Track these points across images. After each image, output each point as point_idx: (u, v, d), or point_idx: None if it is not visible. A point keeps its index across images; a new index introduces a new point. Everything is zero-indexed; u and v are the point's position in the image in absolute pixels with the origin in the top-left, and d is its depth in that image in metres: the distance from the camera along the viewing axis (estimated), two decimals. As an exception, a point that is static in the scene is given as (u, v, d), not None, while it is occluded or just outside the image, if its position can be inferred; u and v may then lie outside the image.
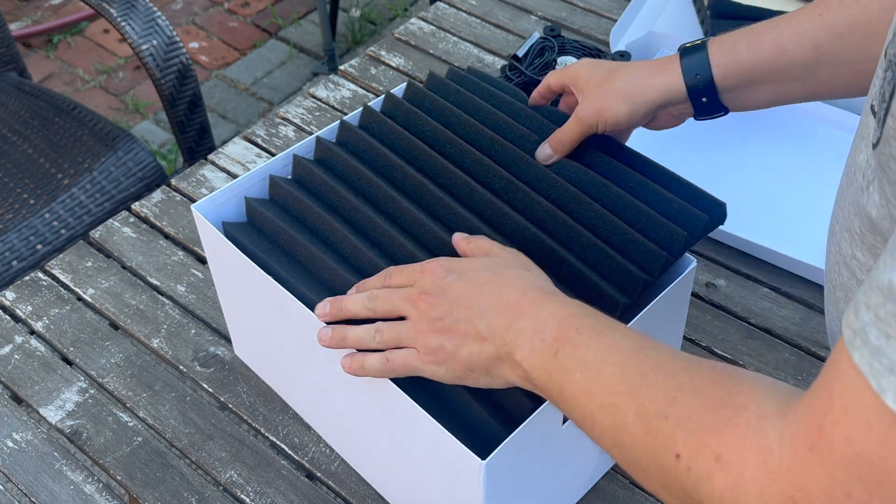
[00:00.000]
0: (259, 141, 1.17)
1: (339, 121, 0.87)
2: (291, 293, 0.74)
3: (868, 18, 0.70)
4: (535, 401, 0.66)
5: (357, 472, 0.85)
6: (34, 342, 0.97)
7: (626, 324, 0.70)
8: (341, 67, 1.27)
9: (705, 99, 0.78)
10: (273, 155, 1.14)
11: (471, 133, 0.83)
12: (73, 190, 1.42)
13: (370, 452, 0.81)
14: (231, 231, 0.80)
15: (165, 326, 0.97)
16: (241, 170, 1.13)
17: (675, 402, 0.51)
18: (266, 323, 0.83)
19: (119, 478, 0.86)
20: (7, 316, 0.99)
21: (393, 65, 1.27)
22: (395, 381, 0.69)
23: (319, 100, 1.22)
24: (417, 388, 0.68)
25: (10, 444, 0.88)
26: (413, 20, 1.34)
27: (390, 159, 0.82)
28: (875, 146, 0.52)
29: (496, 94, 0.87)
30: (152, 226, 1.07)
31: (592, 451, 0.80)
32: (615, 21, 1.29)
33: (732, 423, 0.47)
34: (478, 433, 0.67)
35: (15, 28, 2.66)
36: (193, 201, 1.04)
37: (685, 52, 0.78)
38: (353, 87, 1.24)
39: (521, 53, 1.20)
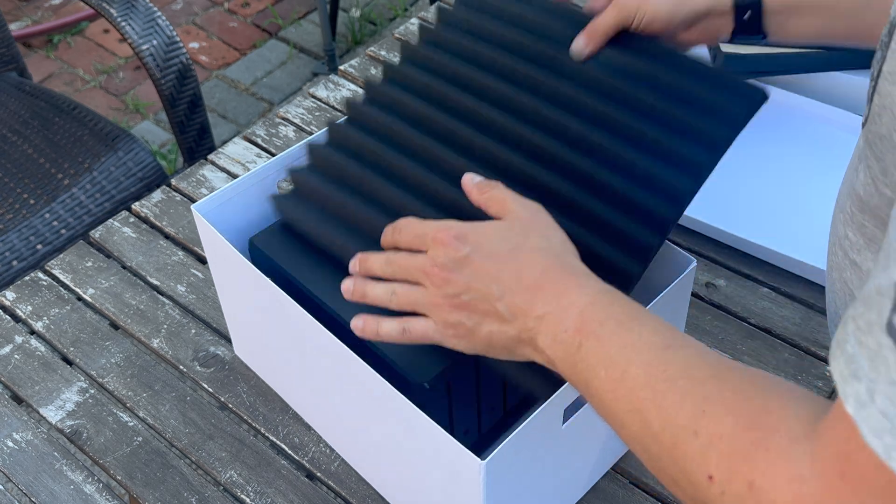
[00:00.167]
0: (259, 141, 1.17)
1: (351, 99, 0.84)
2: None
3: None
4: None
5: (357, 472, 0.85)
6: (34, 342, 0.97)
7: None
8: (341, 67, 1.27)
9: (749, 15, 0.75)
10: (273, 155, 1.14)
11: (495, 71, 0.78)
12: (73, 190, 1.42)
13: (370, 452, 0.81)
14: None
15: (165, 326, 0.97)
16: (241, 170, 1.13)
17: (705, 417, 0.49)
18: (266, 323, 0.83)
19: (119, 478, 0.86)
20: (7, 316, 0.99)
21: (393, 65, 1.27)
22: (395, 384, 0.69)
23: (319, 100, 1.22)
24: None
25: (10, 444, 0.88)
26: (413, 20, 1.34)
27: (413, 110, 0.79)
28: (864, 124, 0.52)
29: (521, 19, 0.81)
30: (152, 226, 1.08)
31: (592, 451, 0.80)
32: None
33: (764, 447, 0.46)
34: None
35: (15, 28, 2.66)
36: (193, 201, 1.04)
37: None
38: (353, 87, 1.24)
39: (521, 53, 1.20)
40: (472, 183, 0.69)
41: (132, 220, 1.08)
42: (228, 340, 0.96)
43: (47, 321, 0.98)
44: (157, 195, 1.11)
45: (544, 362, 0.61)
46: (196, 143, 1.50)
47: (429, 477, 0.72)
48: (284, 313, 0.76)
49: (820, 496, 0.43)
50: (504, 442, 0.65)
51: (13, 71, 1.68)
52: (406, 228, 0.67)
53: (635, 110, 0.74)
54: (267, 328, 0.83)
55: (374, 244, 0.72)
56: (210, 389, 0.92)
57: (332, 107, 1.21)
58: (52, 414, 0.91)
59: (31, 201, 1.42)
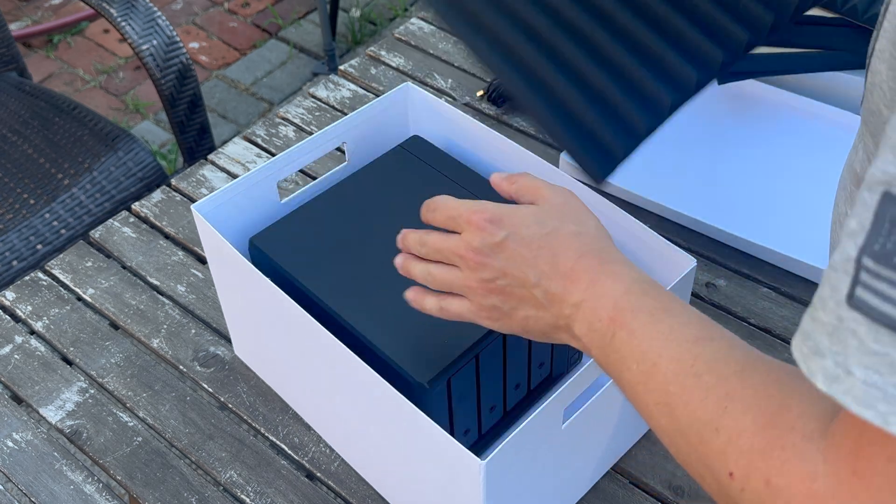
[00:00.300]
0: (259, 141, 1.17)
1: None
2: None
3: None
4: None
5: (357, 472, 0.85)
6: (34, 342, 0.97)
7: None
8: (341, 67, 1.27)
9: None
10: (273, 155, 1.14)
11: None
12: (73, 190, 1.42)
13: (370, 452, 0.81)
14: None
15: (165, 326, 0.97)
16: (241, 170, 1.13)
17: (726, 414, 0.50)
18: (266, 323, 0.83)
19: (119, 478, 0.86)
20: (7, 316, 0.99)
21: (393, 65, 1.27)
22: (395, 384, 0.69)
23: (319, 100, 1.22)
24: None
25: (10, 444, 0.88)
26: (413, 20, 1.34)
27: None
28: (862, 103, 0.52)
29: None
30: (152, 226, 1.08)
31: (592, 451, 0.80)
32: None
33: (780, 445, 0.47)
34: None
35: (15, 28, 2.66)
36: (193, 201, 1.04)
37: None
38: (353, 87, 1.24)
39: (521, 53, 1.20)
40: (500, 177, 0.69)
41: (132, 220, 1.08)
42: (228, 340, 0.96)
43: (47, 321, 0.98)
44: (157, 195, 1.11)
45: (581, 348, 0.62)
46: (196, 143, 1.50)
47: (429, 477, 0.72)
48: (284, 313, 0.76)
49: (833, 493, 0.43)
50: (504, 442, 0.65)
51: (13, 71, 1.68)
52: (440, 208, 0.67)
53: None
54: (267, 328, 0.83)
55: None
56: (210, 389, 0.92)
57: (332, 107, 1.21)
58: (51, 414, 0.91)
59: (31, 201, 1.42)
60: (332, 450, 0.87)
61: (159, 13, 1.44)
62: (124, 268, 1.04)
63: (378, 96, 1.20)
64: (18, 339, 0.97)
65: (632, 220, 0.79)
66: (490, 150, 0.89)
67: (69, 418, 0.90)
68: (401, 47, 1.29)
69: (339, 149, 1.11)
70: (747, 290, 0.98)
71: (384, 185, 0.87)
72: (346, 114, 1.15)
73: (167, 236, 1.07)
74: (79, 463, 0.87)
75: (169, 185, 1.12)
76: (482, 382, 0.76)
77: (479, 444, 0.82)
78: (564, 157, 1.07)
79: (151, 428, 0.89)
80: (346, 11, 2.74)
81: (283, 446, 0.87)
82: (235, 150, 1.16)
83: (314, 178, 1.06)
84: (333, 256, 0.81)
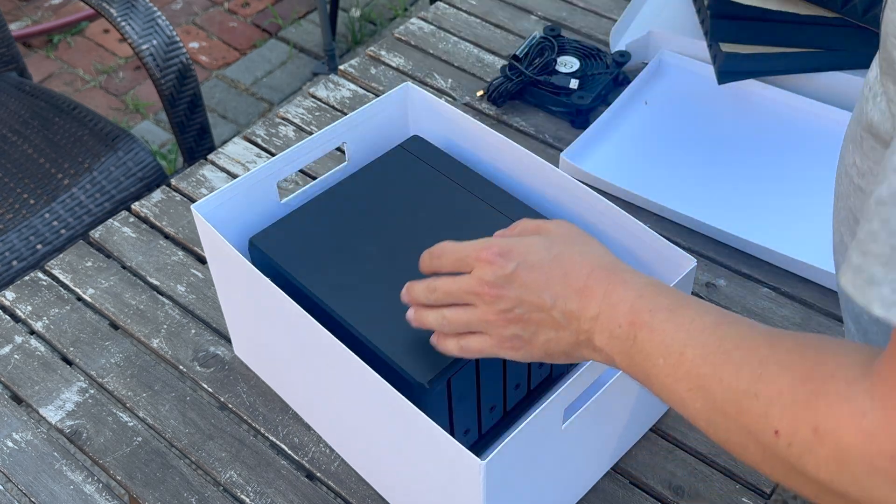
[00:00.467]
0: (259, 141, 1.17)
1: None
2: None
3: None
4: None
5: (357, 472, 0.85)
6: (34, 342, 0.97)
7: None
8: (341, 67, 1.27)
9: None
10: (273, 155, 1.14)
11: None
12: (73, 190, 1.42)
13: (370, 452, 0.81)
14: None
15: (165, 326, 0.97)
16: (241, 170, 1.13)
17: (762, 379, 0.51)
18: (266, 323, 0.83)
19: (119, 478, 0.86)
20: (7, 316, 0.99)
21: (393, 65, 1.27)
22: (395, 384, 0.69)
23: (319, 100, 1.22)
24: None
25: (10, 444, 0.88)
26: (413, 20, 1.34)
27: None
28: (877, 53, 0.54)
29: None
30: (152, 226, 1.07)
31: (592, 451, 0.80)
32: (615, 21, 1.29)
33: (823, 393, 0.48)
34: None
35: (15, 28, 2.66)
36: (193, 201, 1.04)
37: None
38: (353, 87, 1.24)
39: (520, 53, 1.20)
40: (500, 232, 0.71)
41: (132, 220, 1.08)
42: (228, 340, 0.96)
43: (47, 321, 0.98)
44: (157, 195, 1.11)
45: (603, 360, 0.63)
46: (196, 143, 1.50)
47: (429, 477, 0.72)
48: (284, 313, 0.76)
49: (884, 425, 0.45)
50: (504, 442, 0.65)
51: (13, 71, 1.68)
52: (446, 253, 0.69)
53: None
54: (267, 328, 0.83)
55: None
56: (210, 389, 0.92)
57: (332, 107, 1.21)
58: (51, 414, 0.91)
59: (31, 201, 1.42)
60: (332, 450, 0.87)
61: (159, 13, 1.44)
62: (124, 268, 1.04)
63: (378, 96, 1.20)
64: (18, 339, 0.97)
65: (632, 220, 0.79)
66: (490, 150, 0.89)
67: (69, 418, 0.90)
68: (401, 47, 1.29)
69: (339, 149, 1.11)
70: (747, 290, 0.98)
71: (384, 185, 0.87)
72: (346, 114, 1.15)
73: (167, 236, 1.06)
74: (79, 463, 0.87)
75: (169, 185, 1.12)
76: (482, 382, 0.76)
77: (479, 444, 0.82)
78: (564, 157, 1.07)
79: (151, 428, 0.89)
80: (346, 11, 2.74)
81: (283, 446, 0.87)
82: (235, 150, 1.16)
83: (314, 178, 1.06)
84: (333, 256, 0.81)
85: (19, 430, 0.90)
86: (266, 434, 0.88)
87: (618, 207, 0.80)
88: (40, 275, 1.03)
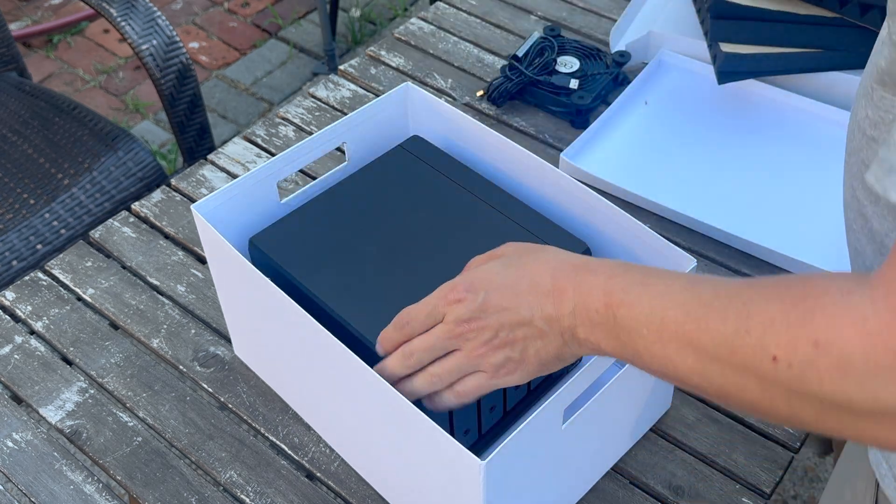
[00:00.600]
0: (259, 141, 1.17)
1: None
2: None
3: None
4: None
5: (357, 472, 0.85)
6: (34, 342, 0.97)
7: None
8: (341, 67, 1.27)
9: None
10: (273, 155, 1.14)
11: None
12: (73, 190, 1.42)
13: (370, 452, 0.81)
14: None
15: (165, 326, 0.97)
16: (241, 170, 1.13)
17: (752, 315, 0.52)
18: (266, 323, 0.83)
19: (119, 478, 0.86)
20: (7, 316, 0.99)
21: (393, 65, 1.27)
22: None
23: (319, 100, 1.22)
24: None
25: (10, 444, 0.88)
26: (413, 20, 1.34)
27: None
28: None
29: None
30: (152, 226, 1.08)
31: (592, 451, 0.80)
32: (615, 21, 1.29)
33: (819, 308, 0.49)
34: None
35: (15, 28, 2.66)
36: (193, 201, 1.04)
37: None
38: (353, 87, 1.24)
39: (520, 53, 1.20)
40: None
41: (132, 220, 1.08)
42: (228, 340, 0.96)
43: (47, 321, 0.98)
44: (157, 195, 1.11)
45: (593, 352, 0.64)
46: (196, 143, 1.50)
47: (429, 477, 0.72)
48: (284, 313, 0.76)
49: (887, 325, 0.45)
50: (504, 442, 0.65)
51: (13, 71, 1.68)
52: (412, 316, 0.69)
53: None
54: (267, 328, 0.83)
55: None
56: (210, 389, 0.92)
57: (332, 107, 1.21)
58: (51, 414, 0.91)
59: (31, 201, 1.42)
60: (332, 450, 0.87)
61: (159, 13, 1.44)
62: (124, 268, 1.04)
63: (378, 96, 1.20)
64: (18, 339, 0.97)
65: (632, 220, 0.79)
66: (490, 150, 0.89)
67: (69, 418, 0.90)
68: (401, 47, 1.29)
69: (339, 149, 1.11)
70: (747, 290, 0.98)
71: (384, 185, 0.87)
72: (346, 114, 1.15)
73: (167, 236, 1.07)
74: (79, 463, 0.87)
75: (169, 185, 1.12)
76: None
77: (479, 444, 0.82)
78: (564, 157, 1.07)
79: (151, 428, 0.89)
80: (346, 11, 2.74)
81: (283, 446, 0.87)
82: (235, 150, 1.16)
83: (314, 178, 1.06)
84: (333, 256, 0.81)
85: (19, 430, 0.90)
86: (266, 434, 0.88)
87: (618, 207, 0.80)
88: (40, 275, 1.03)
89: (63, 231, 1.39)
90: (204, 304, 0.99)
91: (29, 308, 1.00)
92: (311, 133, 1.17)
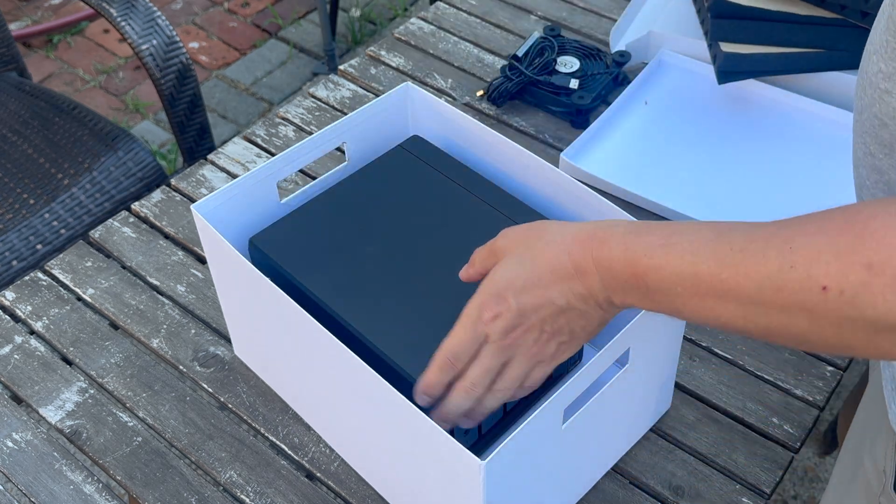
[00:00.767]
0: (259, 141, 1.17)
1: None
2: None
3: None
4: None
5: (357, 472, 0.85)
6: (34, 342, 0.97)
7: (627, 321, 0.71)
8: (341, 67, 1.27)
9: None
10: (273, 155, 1.14)
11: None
12: (73, 190, 1.42)
13: (370, 452, 0.81)
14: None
15: (165, 326, 0.97)
16: (241, 170, 1.13)
17: (795, 251, 0.52)
18: (266, 323, 0.83)
19: (119, 478, 0.86)
20: (7, 316, 0.99)
21: (393, 65, 1.27)
22: (395, 384, 0.69)
23: (319, 100, 1.22)
24: None
25: (10, 444, 0.88)
26: (413, 20, 1.34)
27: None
28: None
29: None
30: (152, 226, 1.07)
31: (592, 451, 0.80)
32: (615, 21, 1.29)
33: (868, 233, 0.49)
34: None
35: (15, 28, 2.66)
36: (193, 201, 1.04)
37: None
38: (353, 87, 1.24)
39: (520, 53, 1.20)
40: (465, 275, 0.72)
41: (132, 220, 1.08)
42: (228, 340, 0.96)
43: (47, 321, 0.98)
44: (157, 195, 1.11)
45: (632, 306, 0.64)
46: (196, 143, 1.50)
47: (429, 477, 0.72)
48: (284, 313, 0.76)
49: None
50: (504, 442, 0.65)
51: (13, 71, 1.68)
52: (456, 352, 0.68)
53: None
54: (267, 328, 0.83)
55: None
56: (210, 389, 0.92)
57: (332, 107, 1.21)
58: (51, 414, 0.91)
59: (31, 201, 1.42)
60: (332, 450, 0.87)
61: (159, 13, 1.44)
62: (124, 268, 1.04)
63: (378, 96, 1.20)
64: (18, 339, 0.97)
65: (632, 219, 0.79)
66: (490, 150, 0.89)
67: (69, 418, 0.90)
68: (401, 47, 1.29)
69: (339, 149, 1.11)
70: (747, 290, 0.98)
71: (384, 185, 0.87)
72: (345, 114, 1.15)
73: (167, 236, 1.06)
74: (79, 463, 0.87)
75: (169, 185, 1.12)
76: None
77: (479, 444, 0.82)
78: (564, 157, 1.07)
79: (151, 428, 0.89)
80: (346, 11, 2.74)
81: (283, 446, 0.87)
82: (235, 150, 1.16)
83: (314, 178, 1.06)
84: (333, 256, 0.81)
85: (19, 430, 0.90)
86: (266, 434, 0.88)
87: (618, 207, 0.80)
88: (40, 275, 1.03)
89: (63, 231, 1.39)
90: (204, 304, 0.99)
91: (29, 308, 1.00)
92: (311, 133, 1.17)
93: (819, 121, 1.12)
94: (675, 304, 0.59)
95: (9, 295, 1.01)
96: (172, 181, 1.12)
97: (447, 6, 1.36)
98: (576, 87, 1.16)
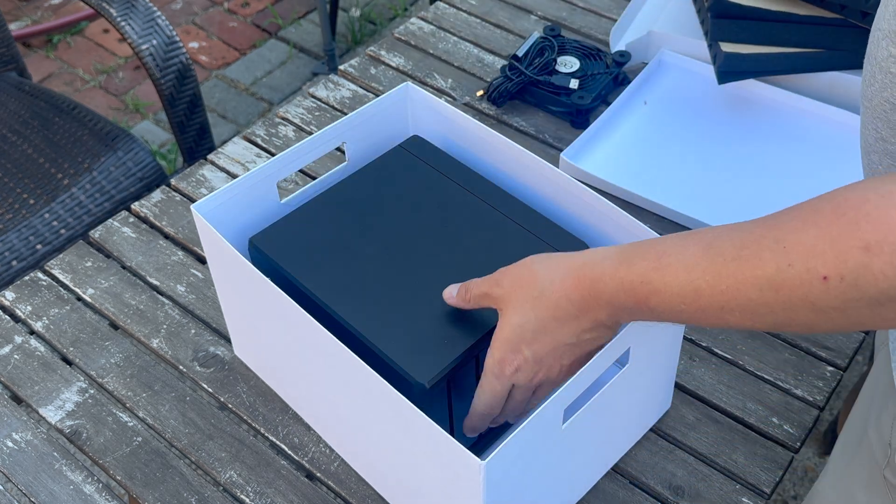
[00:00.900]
0: (259, 141, 1.17)
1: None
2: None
3: None
4: None
5: (357, 472, 0.85)
6: (34, 342, 0.97)
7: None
8: (341, 67, 1.27)
9: None
10: (273, 155, 1.14)
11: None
12: (73, 190, 1.42)
13: (370, 452, 0.81)
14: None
15: (165, 326, 0.97)
16: (240, 170, 1.13)
17: (788, 249, 0.53)
18: (266, 323, 0.82)
19: (119, 478, 0.86)
20: (7, 316, 0.99)
21: (393, 65, 1.27)
22: (395, 384, 0.69)
23: (319, 100, 1.22)
24: None
25: (10, 444, 0.88)
26: (413, 20, 1.34)
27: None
28: None
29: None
30: (152, 226, 1.07)
31: (592, 451, 0.80)
32: (615, 21, 1.29)
33: (861, 216, 0.50)
34: None
35: (15, 28, 2.66)
36: (193, 201, 1.04)
37: None
38: (353, 86, 1.24)
39: (520, 53, 1.20)
40: (453, 296, 0.74)
41: (132, 220, 1.08)
42: (228, 340, 0.96)
43: (47, 321, 0.98)
44: (157, 195, 1.11)
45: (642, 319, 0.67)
46: (196, 143, 1.50)
47: (429, 477, 0.72)
48: (284, 313, 0.76)
49: None
50: (504, 442, 0.65)
51: (13, 71, 1.68)
52: (490, 406, 0.73)
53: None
54: (267, 328, 0.83)
55: None
56: (210, 389, 0.92)
57: (332, 107, 1.21)
58: (51, 414, 0.90)
59: (31, 201, 1.42)
60: (332, 450, 0.87)
61: (159, 13, 1.44)
62: (124, 268, 1.04)
63: (378, 96, 1.20)
64: (18, 339, 0.97)
65: (632, 219, 0.79)
66: (490, 150, 0.89)
67: (69, 418, 0.90)
68: (401, 47, 1.29)
69: (339, 149, 1.11)
70: (747, 290, 0.98)
71: (384, 185, 0.87)
72: (345, 114, 1.15)
73: (167, 236, 1.06)
74: (78, 463, 0.87)
75: (169, 185, 1.12)
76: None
77: (479, 444, 0.82)
78: (564, 157, 1.07)
79: (151, 428, 0.89)
80: (346, 11, 2.74)
81: (283, 446, 0.87)
82: (235, 150, 1.16)
83: (314, 178, 1.06)
84: (333, 256, 0.81)
85: (19, 430, 0.90)
86: (266, 434, 0.88)
87: (618, 207, 0.80)
88: (40, 275, 1.03)
89: (63, 231, 1.39)
90: (204, 304, 0.99)
91: (29, 308, 1.00)
92: (311, 133, 1.17)
93: (819, 121, 1.12)
94: (682, 318, 0.61)
95: (9, 295, 1.01)
96: (172, 181, 1.12)
97: (447, 6, 1.36)
98: (576, 87, 1.16)
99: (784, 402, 0.89)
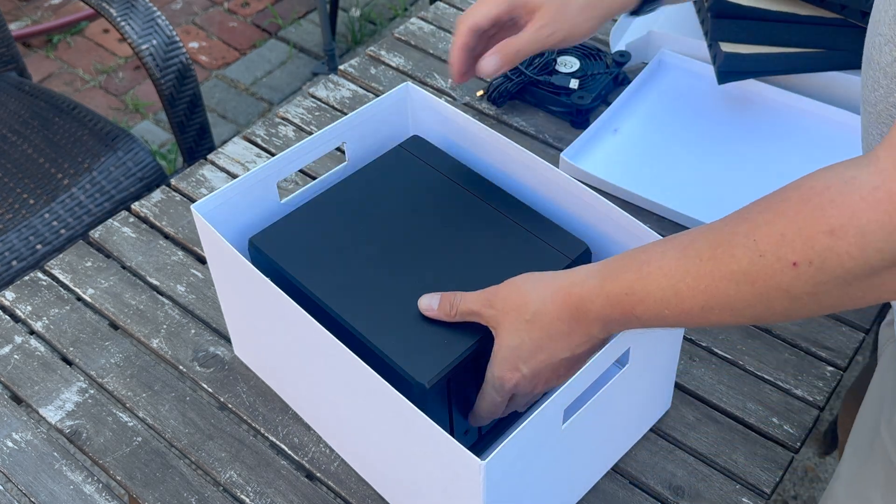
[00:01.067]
0: (259, 141, 1.17)
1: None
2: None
3: None
4: None
5: (357, 473, 0.85)
6: (34, 342, 0.97)
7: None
8: (341, 67, 1.27)
9: None
10: (273, 155, 1.14)
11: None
12: (73, 190, 1.42)
13: (370, 452, 0.81)
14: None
15: (165, 326, 0.97)
16: (240, 170, 1.13)
17: (759, 242, 0.55)
18: (266, 323, 0.82)
19: (119, 478, 0.86)
20: (7, 316, 0.99)
21: (393, 65, 1.27)
22: (395, 384, 0.69)
23: (319, 100, 1.22)
24: None
25: (10, 444, 0.88)
26: (413, 20, 1.34)
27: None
28: None
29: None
30: (152, 226, 1.07)
31: (592, 451, 0.80)
32: (615, 21, 1.29)
33: (826, 202, 0.52)
34: None
35: (15, 28, 2.66)
36: (193, 201, 1.04)
37: None
38: (353, 86, 1.24)
39: (521, 53, 1.20)
40: (434, 309, 0.74)
41: (132, 220, 1.08)
42: (228, 340, 0.96)
43: (47, 321, 0.98)
44: (157, 195, 1.11)
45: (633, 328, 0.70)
46: (196, 142, 1.50)
47: (429, 477, 0.72)
48: (284, 313, 0.76)
49: None
50: (504, 442, 0.65)
51: (13, 71, 1.68)
52: (492, 410, 0.75)
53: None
54: (266, 328, 0.83)
55: None
56: (210, 389, 0.92)
57: (332, 107, 1.21)
58: (51, 414, 0.90)
59: (31, 201, 1.42)
60: (332, 450, 0.87)
61: (159, 13, 1.44)
62: (124, 268, 1.04)
63: (378, 96, 1.20)
64: (18, 339, 0.97)
65: (632, 219, 0.79)
66: (490, 149, 0.89)
67: (69, 418, 0.90)
68: (401, 47, 1.29)
69: (339, 149, 1.11)
70: (747, 290, 0.98)
71: (384, 185, 0.87)
72: (345, 114, 1.15)
73: (167, 236, 1.06)
74: (78, 463, 0.87)
75: (169, 185, 1.12)
76: (482, 383, 0.76)
77: (479, 444, 0.82)
78: (564, 157, 1.07)
79: (151, 428, 0.89)
80: (346, 11, 2.74)
81: (283, 446, 0.87)
82: (235, 150, 1.16)
83: (314, 178, 1.06)
84: (333, 256, 0.81)
85: (19, 430, 0.90)
86: (266, 434, 0.88)
87: (618, 207, 0.80)
88: (40, 275, 1.03)
89: (63, 231, 1.39)
90: (204, 304, 0.99)
91: (29, 308, 1.00)
92: (311, 133, 1.17)
93: (819, 121, 1.12)
94: (668, 322, 0.63)
95: (9, 295, 1.01)
96: (172, 181, 1.12)
97: (447, 6, 1.36)
98: (576, 87, 1.16)
99: (784, 402, 0.89)
